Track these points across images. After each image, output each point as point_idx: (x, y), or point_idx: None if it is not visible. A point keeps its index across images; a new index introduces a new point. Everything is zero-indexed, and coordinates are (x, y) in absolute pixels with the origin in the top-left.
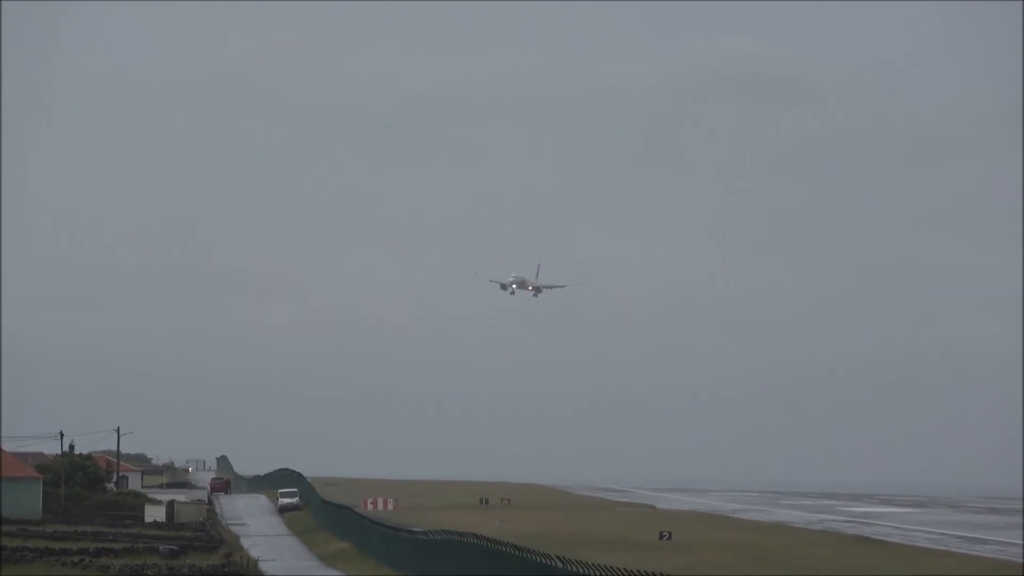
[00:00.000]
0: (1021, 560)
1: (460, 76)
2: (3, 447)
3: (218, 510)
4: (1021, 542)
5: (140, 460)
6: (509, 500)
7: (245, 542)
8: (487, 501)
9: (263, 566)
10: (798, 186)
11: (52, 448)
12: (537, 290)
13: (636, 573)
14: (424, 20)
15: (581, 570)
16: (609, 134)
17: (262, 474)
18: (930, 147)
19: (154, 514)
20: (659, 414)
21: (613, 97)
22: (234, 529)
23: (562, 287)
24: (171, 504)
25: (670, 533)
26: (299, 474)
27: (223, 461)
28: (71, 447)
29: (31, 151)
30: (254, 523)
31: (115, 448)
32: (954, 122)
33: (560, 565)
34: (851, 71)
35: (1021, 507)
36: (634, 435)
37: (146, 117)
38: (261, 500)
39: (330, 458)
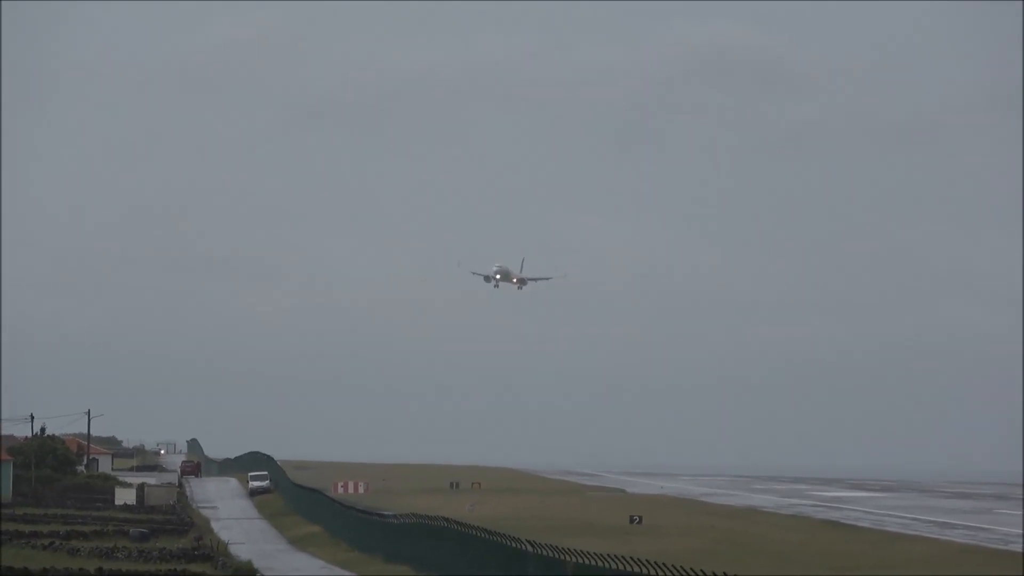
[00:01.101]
0: (990, 546)
1: (445, 62)
2: None
3: (188, 493)
4: (988, 527)
5: (111, 443)
6: (480, 484)
7: (215, 525)
8: (458, 485)
9: (233, 549)
10: (785, 173)
11: (22, 430)
12: (521, 282)
13: (606, 557)
14: (409, 6)
15: (551, 554)
16: (594, 121)
17: (232, 457)
18: (919, 135)
19: (124, 497)
20: (642, 399)
21: (598, 84)
22: (204, 512)
23: (547, 279)
24: (141, 487)
25: (640, 517)
26: (269, 457)
27: (194, 444)
28: (42, 430)
29: (18, 136)
30: (224, 506)
31: (86, 431)
32: (944, 110)
33: (530, 549)
34: (839, 58)
35: (993, 493)
36: (614, 422)
37: (132, 103)
38: (231, 483)
39: (301, 442)
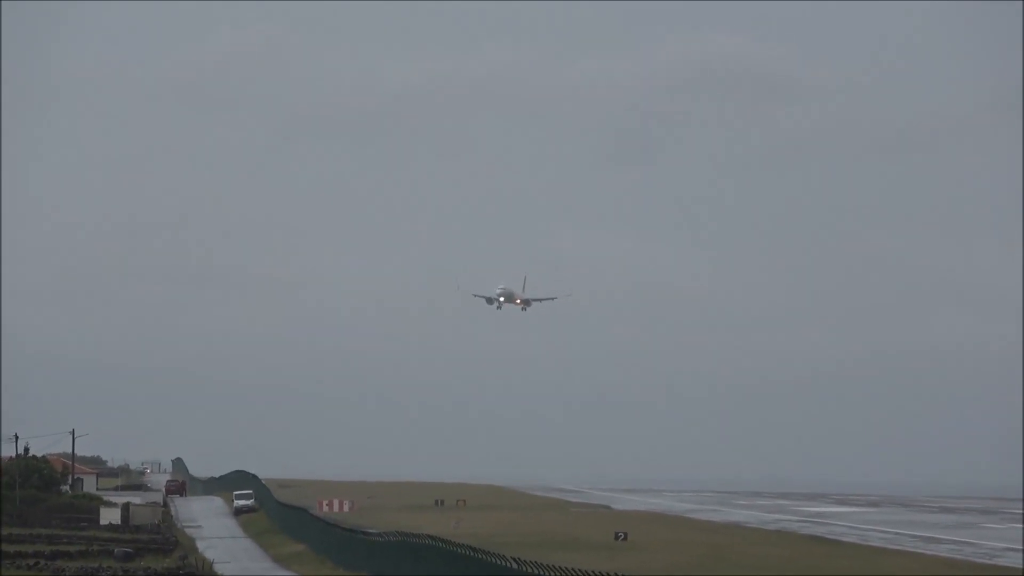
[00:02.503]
0: (975, 560)
1: (444, 74)
2: None
3: (173, 512)
4: (972, 542)
5: (95, 462)
6: (464, 501)
7: (200, 544)
8: (442, 502)
9: (218, 568)
10: (784, 183)
11: (6, 450)
12: (525, 303)
13: (591, 574)
14: (405, 18)
15: (536, 571)
16: (591, 132)
17: (217, 476)
18: (915, 144)
19: (109, 517)
20: (637, 410)
21: (595, 95)
22: (189, 531)
23: (551, 299)
24: (126, 506)
25: (625, 534)
26: (254, 476)
27: (178, 463)
28: (26, 449)
29: (11, 145)
30: (209, 525)
31: (70, 451)
32: (944, 117)
33: (515, 566)
34: (837, 66)
35: (975, 507)
36: (609, 433)
37: (130, 114)
38: (216, 502)
39: (285, 460)
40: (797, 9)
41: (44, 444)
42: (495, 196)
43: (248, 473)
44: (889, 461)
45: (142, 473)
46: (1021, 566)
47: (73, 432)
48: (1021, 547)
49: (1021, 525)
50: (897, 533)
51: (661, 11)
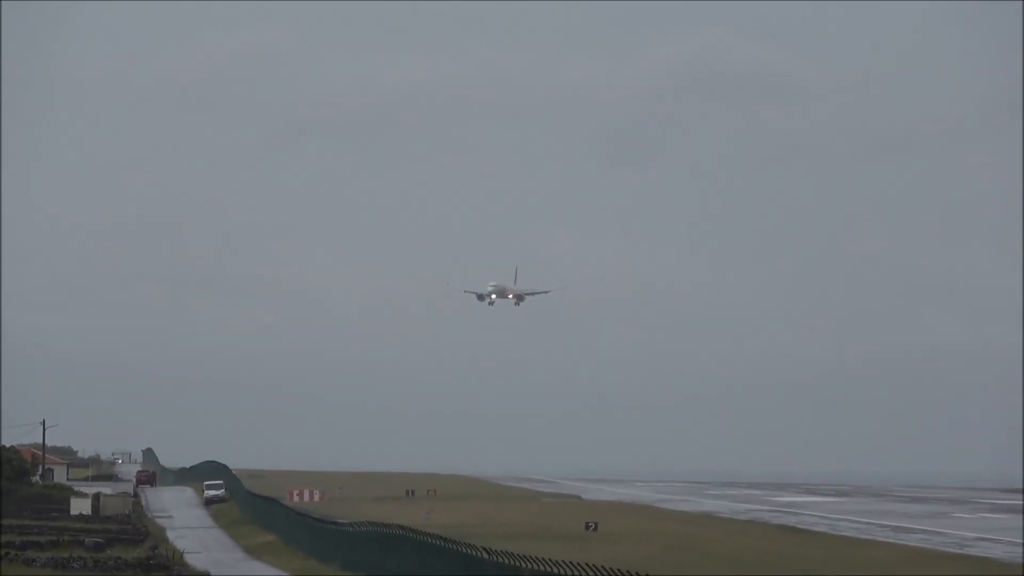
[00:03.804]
0: (947, 550)
1: (442, 75)
2: None
3: (144, 503)
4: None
5: (66, 453)
6: (435, 491)
7: (171, 534)
8: (413, 493)
9: (188, 558)
10: (781, 186)
11: None
12: (519, 298)
13: (562, 563)
14: (405, 19)
15: (507, 560)
16: (590, 133)
17: (188, 467)
18: (915, 145)
19: (80, 507)
20: (632, 412)
21: (594, 96)
22: (160, 521)
23: (545, 293)
24: (97, 497)
25: (596, 524)
26: (225, 466)
27: (149, 454)
28: None
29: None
30: (180, 515)
31: (40, 441)
32: (940, 120)
33: (486, 556)
34: (834, 68)
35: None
36: (605, 433)
37: (129, 115)
38: (187, 492)
39: (256, 451)
40: (797, 9)
41: (14, 435)
42: (494, 197)
43: (219, 463)
44: (889, 462)
45: (113, 463)
46: (995, 556)
47: (44, 423)
48: (993, 537)
49: (992, 515)
50: (868, 523)
51: (661, 11)
